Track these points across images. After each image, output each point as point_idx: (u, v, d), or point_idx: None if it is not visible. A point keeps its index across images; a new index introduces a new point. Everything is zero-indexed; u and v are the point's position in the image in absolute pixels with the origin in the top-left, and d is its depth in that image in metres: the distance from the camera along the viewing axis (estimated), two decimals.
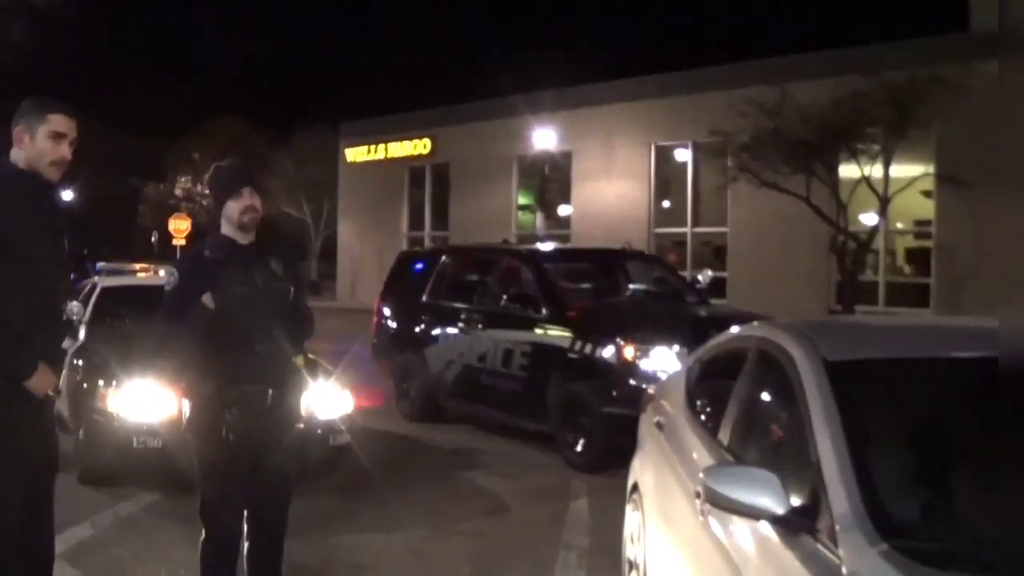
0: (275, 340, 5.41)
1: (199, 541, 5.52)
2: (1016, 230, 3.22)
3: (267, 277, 5.45)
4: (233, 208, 5.41)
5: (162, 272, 13.01)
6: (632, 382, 10.23)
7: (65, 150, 4.77)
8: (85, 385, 9.30)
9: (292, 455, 5.63)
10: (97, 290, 11.37)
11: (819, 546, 3.40)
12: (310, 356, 8.30)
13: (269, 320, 5.39)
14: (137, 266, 13.53)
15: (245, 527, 5.56)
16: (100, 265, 12.99)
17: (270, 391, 5.39)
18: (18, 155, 4.75)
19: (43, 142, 4.72)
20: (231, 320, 5.26)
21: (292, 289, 5.58)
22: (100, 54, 71.82)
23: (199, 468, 5.47)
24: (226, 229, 5.48)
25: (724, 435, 4.73)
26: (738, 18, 58.50)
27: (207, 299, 5.23)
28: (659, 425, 5.95)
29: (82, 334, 10.17)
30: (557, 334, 11.43)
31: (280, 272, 5.54)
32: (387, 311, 14.72)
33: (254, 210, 5.44)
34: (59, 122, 4.75)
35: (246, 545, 5.59)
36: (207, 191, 5.62)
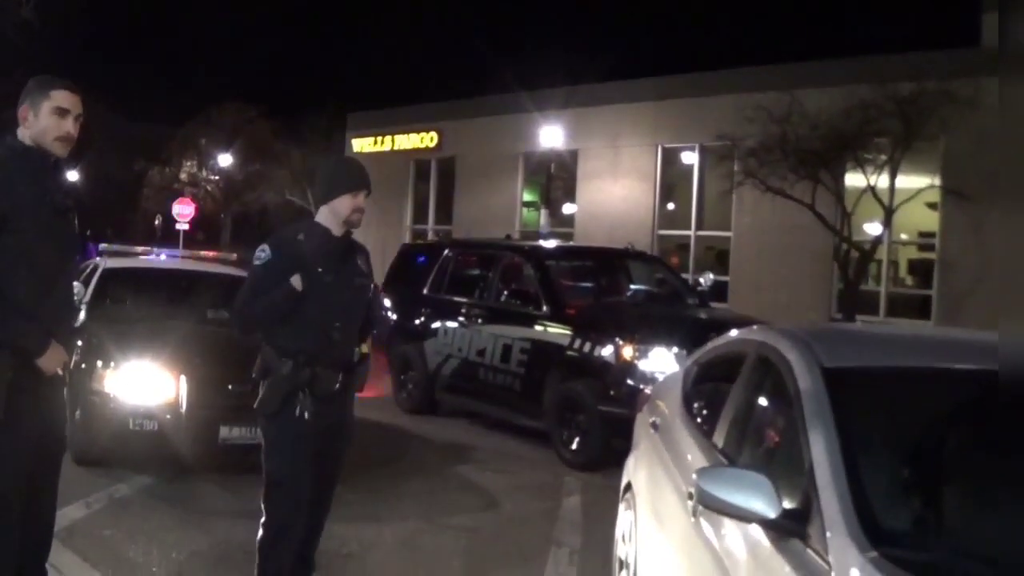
0: (351, 330, 5.64)
1: (258, 523, 5.52)
2: (1019, 245, 3.23)
3: (353, 271, 5.67)
4: (347, 203, 5.54)
5: (163, 256, 13.04)
6: (629, 382, 10.26)
7: (69, 126, 4.78)
8: (83, 366, 9.29)
9: (351, 440, 5.84)
10: (99, 271, 11.37)
11: (809, 551, 3.40)
12: None
13: (349, 310, 5.61)
14: (139, 249, 13.51)
15: None
16: (102, 246, 12.97)
17: (340, 376, 5.54)
18: (24, 134, 4.76)
19: (47, 118, 4.73)
20: (314, 305, 5.43)
21: (372, 287, 5.84)
22: (108, 37, 71.84)
23: (266, 447, 5.52)
24: (323, 219, 5.63)
25: (719, 438, 4.74)
26: (749, 23, 58.48)
27: (296, 280, 5.38)
28: (655, 426, 5.96)
29: (82, 315, 10.19)
30: (556, 332, 11.45)
31: (365, 269, 5.77)
32: (387, 303, 14.71)
33: (362, 212, 5.61)
34: (62, 98, 4.76)
35: None
36: (320, 180, 5.80)
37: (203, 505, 8.31)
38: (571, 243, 22.60)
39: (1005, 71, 3.36)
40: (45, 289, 4.70)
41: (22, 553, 4.79)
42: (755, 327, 6.21)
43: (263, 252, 5.56)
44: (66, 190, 4.94)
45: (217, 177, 51.75)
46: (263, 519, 5.51)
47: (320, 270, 5.46)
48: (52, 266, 4.76)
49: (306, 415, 5.39)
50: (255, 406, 5.58)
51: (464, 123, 34.28)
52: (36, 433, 4.72)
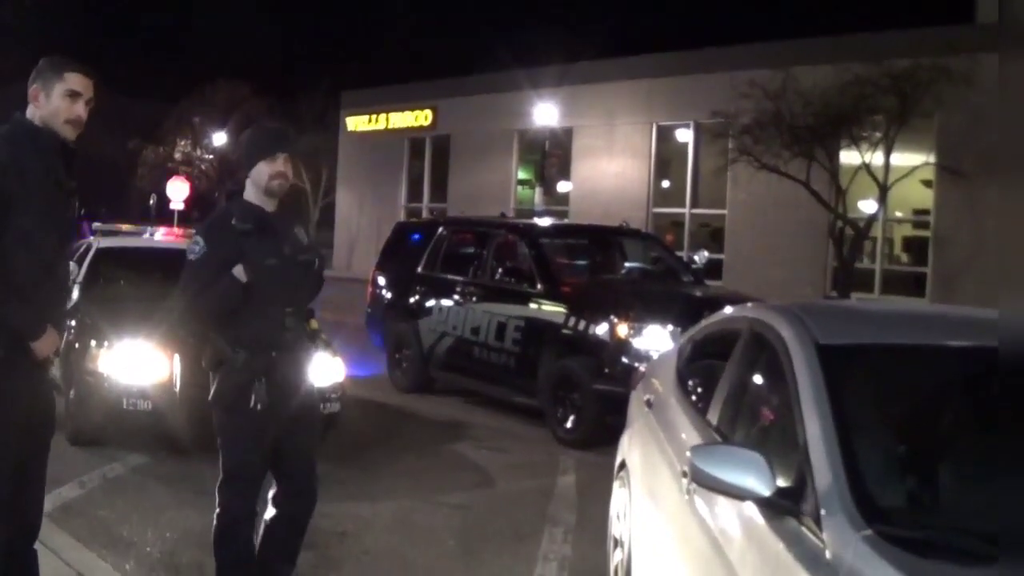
0: (303, 310, 5.42)
1: (213, 514, 5.39)
2: (1018, 219, 3.21)
3: (295, 247, 5.39)
4: (264, 171, 5.28)
5: (156, 235, 12.99)
6: (624, 360, 10.26)
7: (80, 109, 4.74)
8: (77, 345, 9.29)
9: (318, 424, 5.68)
10: (92, 251, 11.34)
11: (803, 529, 3.39)
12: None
13: (298, 291, 5.39)
14: (124, 227, 13.47)
15: (271, 500, 5.52)
16: (96, 226, 12.93)
17: (298, 360, 5.38)
18: (34, 113, 4.72)
19: (58, 100, 4.69)
20: (261, 292, 5.19)
21: (317, 260, 5.54)
22: (101, 13, 71.48)
23: (222, 440, 5.32)
24: (251, 194, 5.36)
25: (713, 415, 4.73)
26: (744, 0, 58.24)
27: (239, 272, 5.14)
28: (649, 403, 5.95)
29: (76, 294, 10.17)
30: (551, 309, 11.43)
31: (305, 241, 5.49)
32: (382, 281, 14.71)
33: (284, 177, 5.32)
34: (75, 81, 4.72)
35: (270, 515, 5.53)
36: (238, 152, 5.49)
37: (197, 484, 8.27)
38: (566, 221, 22.60)
39: (1004, 46, 3.33)
40: (43, 272, 4.67)
41: (11, 534, 4.77)
42: (749, 304, 6.20)
43: (196, 245, 5.28)
44: (73, 171, 4.89)
45: (211, 156, 51.66)
46: (217, 510, 5.33)
47: (261, 255, 5.19)
48: (51, 249, 4.72)
49: (259, 406, 5.17)
50: (210, 399, 5.34)
51: (459, 101, 34.23)
52: (26, 414, 4.69)
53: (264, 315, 5.24)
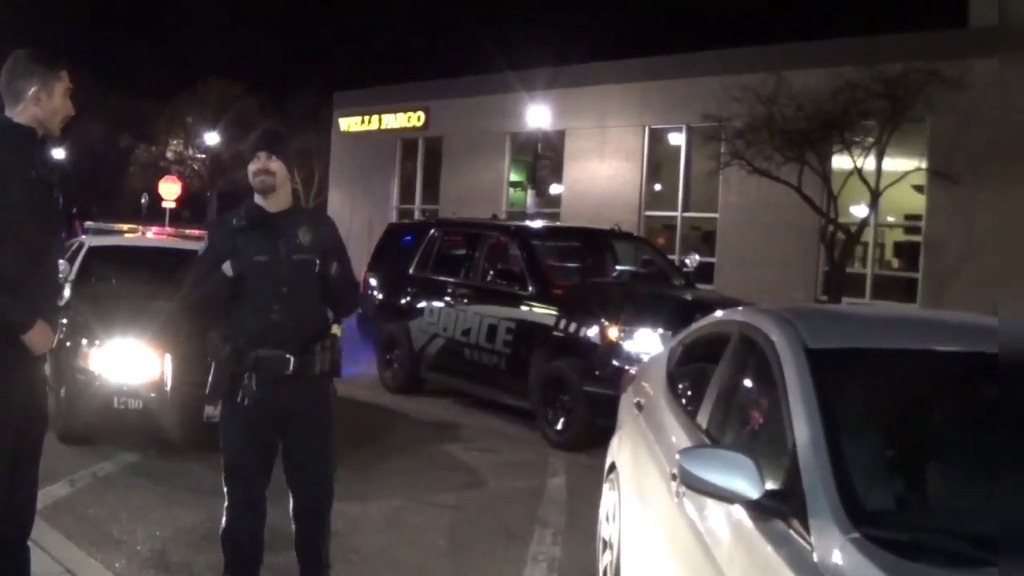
0: (295, 309, 5.38)
1: (222, 506, 5.47)
2: (1016, 223, 3.21)
3: (292, 247, 5.39)
4: (250, 171, 5.41)
5: (149, 234, 13.01)
6: (614, 362, 10.28)
7: (70, 105, 4.78)
8: (68, 343, 9.27)
9: (327, 423, 5.56)
10: (84, 249, 11.34)
11: (791, 532, 3.41)
12: None
13: (290, 289, 5.36)
14: (124, 227, 13.47)
15: (291, 495, 5.53)
16: (88, 224, 12.94)
17: (291, 358, 5.33)
18: (24, 112, 4.69)
19: (60, 100, 4.71)
20: (250, 288, 5.29)
21: (319, 260, 5.46)
22: (92, 10, 71.36)
23: (220, 434, 5.47)
24: (257, 197, 5.48)
25: (703, 418, 4.75)
26: (737, 3, 58.26)
27: (227, 266, 5.26)
28: (639, 406, 5.96)
29: (67, 292, 10.16)
30: (542, 311, 11.45)
31: (307, 243, 5.45)
32: (373, 282, 14.73)
33: (266, 172, 5.37)
34: (68, 77, 4.75)
35: (290, 510, 5.56)
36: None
37: (187, 483, 8.30)
38: (557, 223, 22.60)
39: (1004, 48, 3.33)
40: (31, 266, 4.66)
41: (5, 531, 4.77)
42: (739, 308, 6.22)
43: (203, 241, 5.56)
44: (51, 166, 4.89)
45: (203, 155, 51.62)
46: (225, 503, 5.43)
47: (251, 251, 5.29)
48: (38, 242, 4.72)
49: (246, 401, 5.25)
50: (206, 392, 5.48)
51: (451, 102, 34.18)
52: (19, 410, 4.69)
53: (252, 311, 5.31)
